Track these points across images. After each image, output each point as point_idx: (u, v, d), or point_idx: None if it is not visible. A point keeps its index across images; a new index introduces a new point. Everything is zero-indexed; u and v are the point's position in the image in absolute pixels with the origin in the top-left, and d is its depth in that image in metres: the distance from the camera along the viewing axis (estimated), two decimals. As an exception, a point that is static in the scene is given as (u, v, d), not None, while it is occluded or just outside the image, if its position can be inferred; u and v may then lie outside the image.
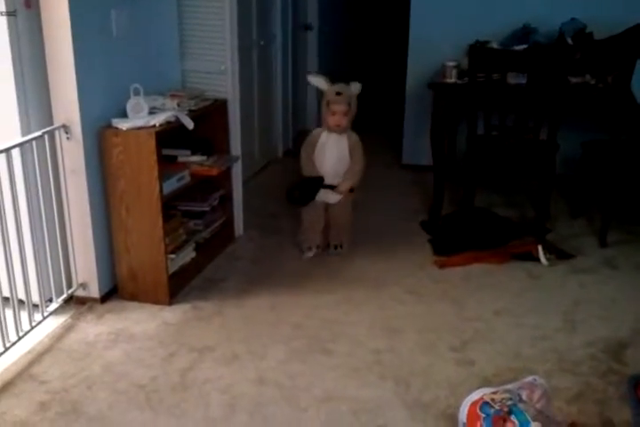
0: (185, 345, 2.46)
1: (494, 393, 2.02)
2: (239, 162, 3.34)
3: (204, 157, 3.00)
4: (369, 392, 2.22)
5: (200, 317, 2.66)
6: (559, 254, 3.15)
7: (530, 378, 2.09)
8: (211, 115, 3.04)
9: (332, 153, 3.06)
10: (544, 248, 3.12)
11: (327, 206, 3.18)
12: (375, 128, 5.52)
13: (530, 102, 3.34)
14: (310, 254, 3.21)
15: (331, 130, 3.03)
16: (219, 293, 2.86)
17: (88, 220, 2.64)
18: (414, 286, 2.95)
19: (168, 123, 2.65)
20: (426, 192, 3.89)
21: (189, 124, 2.74)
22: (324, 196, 3.11)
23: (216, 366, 2.34)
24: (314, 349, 2.46)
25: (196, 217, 3.10)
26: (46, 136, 2.47)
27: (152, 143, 2.55)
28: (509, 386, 2.06)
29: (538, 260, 3.10)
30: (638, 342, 2.49)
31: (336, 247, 3.24)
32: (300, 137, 5.10)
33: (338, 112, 2.99)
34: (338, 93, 2.99)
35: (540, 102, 3.32)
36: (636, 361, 2.33)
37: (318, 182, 3.06)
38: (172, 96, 2.88)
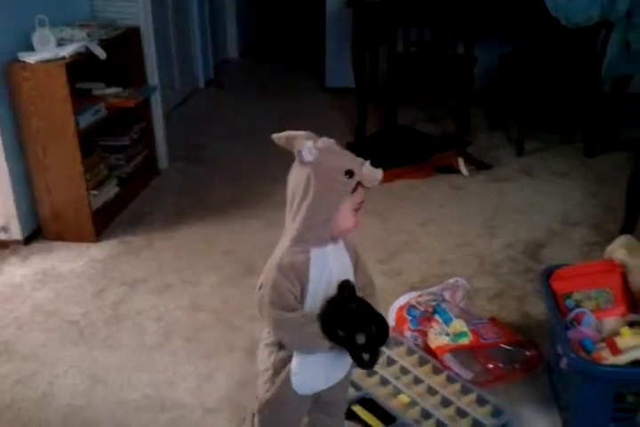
0: (115, 280, 2.45)
1: (419, 296, 2.12)
2: (158, 93, 3.24)
3: (120, 89, 2.90)
4: (302, 308, 2.28)
5: (129, 251, 2.65)
6: (479, 165, 3.25)
7: (452, 280, 2.20)
8: (124, 44, 2.91)
9: (335, 275, 1.37)
10: (464, 160, 3.20)
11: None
12: (296, 52, 5.43)
13: (446, 15, 3.33)
14: None
15: (335, 239, 1.38)
16: (146, 226, 2.84)
17: (2, 161, 2.53)
18: (342, 205, 2.99)
19: (79, 54, 2.54)
20: (350, 114, 3.89)
21: (102, 55, 2.62)
22: None
23: (149, 297, 2.35)
24: (246, 273, 2.49)
25: (117, 151, 3.02)
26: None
27: (63, 76, 2.44)
28: (433, 289, 2.16)
29: (459, 172, 3.19)
30: (553, 242, 2.64)
31: None
32: (222, 67, 4.98)
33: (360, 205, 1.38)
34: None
35: (456, 15, 3.32)
36: (551, 259, 2.46)
37: (383, 324, 1.38)
38: (81, 26, 2.74)
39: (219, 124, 3.98)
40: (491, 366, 1.90)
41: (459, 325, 1.96)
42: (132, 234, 2.77)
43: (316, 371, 1.40)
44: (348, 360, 1.38)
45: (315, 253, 1.33)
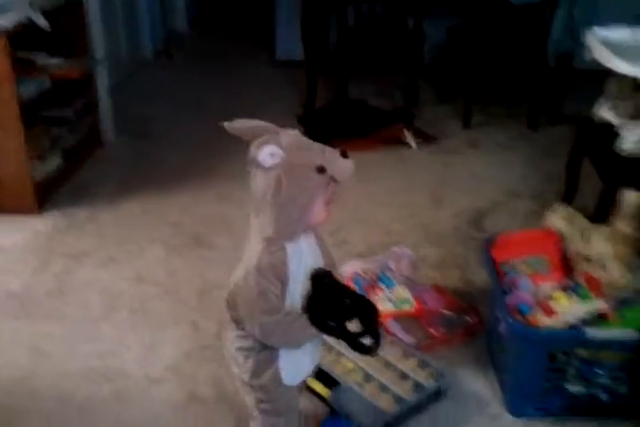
0: (58, 253, 2.41)
1: (365, 265, 2.15)
2: (104, 64, 3.16)
3: (64, 59, 2.81)
4: (249, 279, 2.29)
5: (72, 224, 2.60)
6: (426, 138, 3.28)
7: (396, 248, 2.24)
8: (68, 13, 2.83)
9: (309, 265, 1.36)
10: (412, 133, 3.23)
11: None
12: (247, 23, 5.34)
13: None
14: None
15: (308, 230, 1.36)
16: (91, 199, 2.78)
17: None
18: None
19: (21, 24, 2.45)
20: (300, 87, 3.86)
21: (45, 26, 2.54)
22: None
23: (93, 269, 2.32)
24: (193, 245, 2.48)
25: (61, 123, 2.95)
26: None
27: (4, 46, 2.36)
28: (378, 257, 2.20)
29: (407, 144, 3.22)
30: (496, 211, 2.70)
31: None
32: (170, 38, 4.87)
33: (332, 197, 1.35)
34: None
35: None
36: (494, 228, 2.51)
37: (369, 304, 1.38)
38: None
39: (166, 97, 3.91)
40: (433, 331, 1.96)
41: (402, 292, 2.01)
42: (75, 206, 2.71)
43: (302, 359, 1.40)
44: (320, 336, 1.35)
45: (290, 247, 1.30)
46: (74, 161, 2.98)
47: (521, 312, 1.76)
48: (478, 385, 1.85)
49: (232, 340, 1.39)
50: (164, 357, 1.93)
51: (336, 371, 1.80)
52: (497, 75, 3.67)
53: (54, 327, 2.04)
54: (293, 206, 1.25)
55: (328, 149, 1.25)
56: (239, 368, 1.40)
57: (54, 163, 2.84)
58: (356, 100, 3.66)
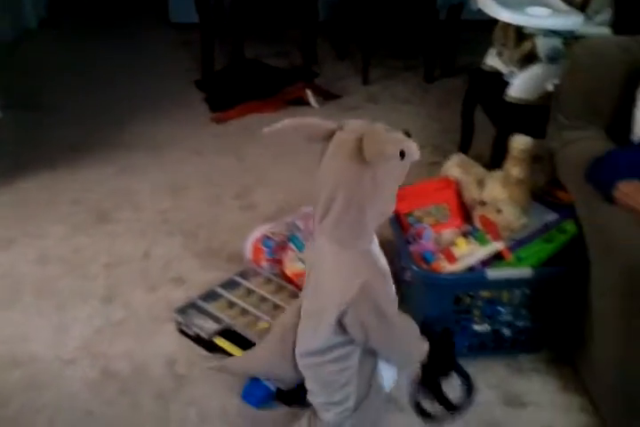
0: (-49, 239, 2.28)
1: (274, 227, 2.15)
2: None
3: None
4: (159, 250, 2.25)
5: (-36, 207, 2.46)
6: (327, 96, 3.28)
7: (304, 209, 2.25)
8: None
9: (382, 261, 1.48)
10: (313, 92, 3.22)
11: None
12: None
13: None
14: None
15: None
16: (-19, 180, 2.64)
17: None
18: (195, 144, 2.93)
19: None
20: (197, 51, 3.75)
21: None
22: None
23: (-8, 253, 2.22)
24: (97, 220, 2.41)
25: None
26: None
27: None
28: (287, 219, 2.20)
29: (308, 103, 3.20)
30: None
31: None
32: (55, 4, 4.58)
33: None
34: None
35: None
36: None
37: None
38: None
39: (55, 67, 3.70)
40: (344, 286, 1.99)
41: (312, 250, 2.03)
42: (-35, 188, 2.57)
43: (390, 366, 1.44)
44: None
45: (373, 250, 1.30)
46: (-42, 142, 2.81)
47: (425, 260, 1.82)
48: (392, 333, 1.92)
49: (322, 364, 1.34)
50: (74, 337, 1.89)
51: (252, 333, 1.81)
52: (391, 29, 3.69)
53: (-46, 317, 1.95)
54: (386, 201, 1.26)
55: (395, 132, 1.23)
56: (336, 393, 1.36)
57: (-64, 145, 2.66)
58: (254, 61, 3.60)
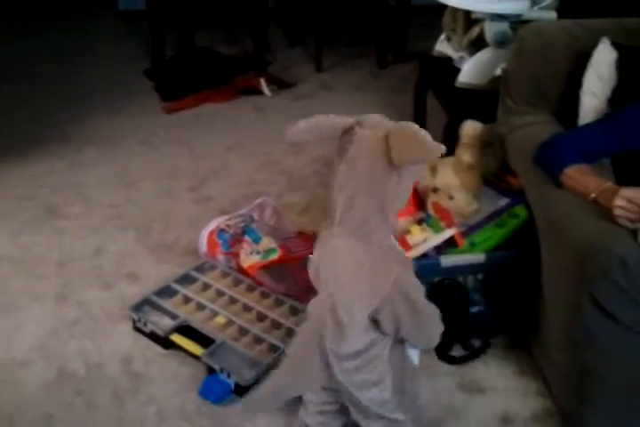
0: None
1: (228, 220, 2.13)
2: None
3: None
4: (112, 246, 2.21)
5: None
6: (280, 84, 3.25)
7: (259, 200, 2.23)
8: None
9: None
10: (266, 80, 3.18)
11: None
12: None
13: None
14: None
15: None
16: None
17: None
18: (147, 135, 2.88)
19: None
20: (146, 39, 3.67)
21: None
22: None
23: (-64, 255, 2.15)
24: (47, 217, 2.35)
25: None
26: None
27: None
28: (242, 211, 2.18)
29: (262, 92, 3.17)
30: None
31: None
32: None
33: None
34: None
35: None
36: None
37: None
38: None
39: (-2, 59, 3.58)
40: (301, 276, 1.98)
41: (267, 242, 2.01)
42: None
43: None
44: None
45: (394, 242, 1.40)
46: None
47: (381, 249, 1.82)
48: (350, 322, 1.92)
49: (363, 366, 1.33)
50: (27, 337, 1.84)
51: (209, 329, 1.80)
52: (343, 16, 3.67)
53: None
54: (405, 197, 1.33)
55: (420, 130, 1.24)
56: (375, 385, 1.35)
57: None
58: (205, 50, 3.53)
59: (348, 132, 1.29)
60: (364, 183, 1.27)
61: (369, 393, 1.36)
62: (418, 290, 1.32)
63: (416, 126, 1.25)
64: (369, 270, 1.29)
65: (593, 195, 1.46)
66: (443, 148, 1.23)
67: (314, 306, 1.37)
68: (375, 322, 1.31)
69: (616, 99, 1.72)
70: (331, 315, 1.29)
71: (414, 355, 1.45)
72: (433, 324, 1.38)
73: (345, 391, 1.37)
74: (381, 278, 1.28)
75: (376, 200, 1.28)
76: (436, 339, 1.40)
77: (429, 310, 1.35)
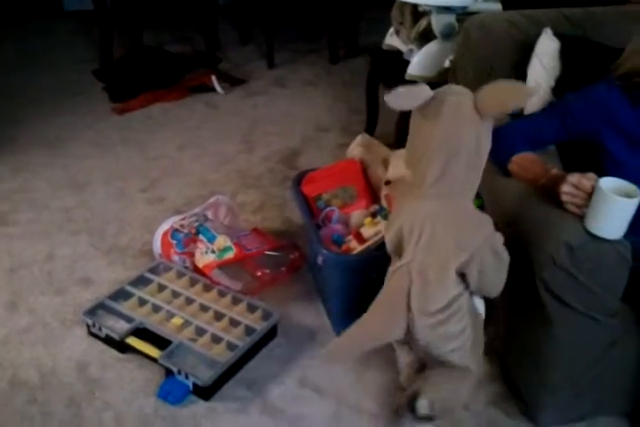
0: None
1: (182, 220, 2.10)
2: None
3: None
4: (63, 250, 2.16)
5: None
6: (232, 81, 3.22)
7: (213, 198, 2.20)
8: None
9: None
10: (217, 77, 3.15)
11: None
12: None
13: None
14: None
15: None
16: None
17: None
18: (97, 137, 2.82)
19: None
20: (94, 40, 3.60)
21: None
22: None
23: None
24: (-5, 225, 2.28)
25: None
26: None
27: None
28: (196, 210, 2.15)
29: (214, 90, 3.14)
30: (307, 148, 2.74)
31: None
32: None
33: None
34: None
35: None
36: (307, 165, 2.54)
37: None
38: None
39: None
40: (258, 273, 1.97)
41: (222, 240, 1.99)
42: None
43: None
44: None
45: None
46: None
47: (336, 243, 1.82)
48: (310, 318, 1.92)
49: (447, 319, 1.38)
50: (-23, 348, 1.79)
51: (165, 330, 1.77)
52: (293, 11, 3.65)
53: None
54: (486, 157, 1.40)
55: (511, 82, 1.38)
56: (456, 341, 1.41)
57: None
58: (154, 48, 3.48)
59: (435, 99, 1.34)
60: (461, 145, 1.34)
61: (451, 345, 1.42)
62: (500, 241, 1.40)
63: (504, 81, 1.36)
64: (462, 229, 1.37)
65: (540, 182, 1.48)
66: (532, 87, 1.41)
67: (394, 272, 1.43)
68: (461, 275, 1.38)
69: (560, 88, 1.75)
70: (418, 276, 1.36)
71: (480, 304, 1.50)
72: (506, 273, 1.43)
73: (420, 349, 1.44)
74: (474, 233, 1.36)
75: (471, 160, 1.36)
76: (502, 287, 1.45)
77: (507, 259, 1.41)
